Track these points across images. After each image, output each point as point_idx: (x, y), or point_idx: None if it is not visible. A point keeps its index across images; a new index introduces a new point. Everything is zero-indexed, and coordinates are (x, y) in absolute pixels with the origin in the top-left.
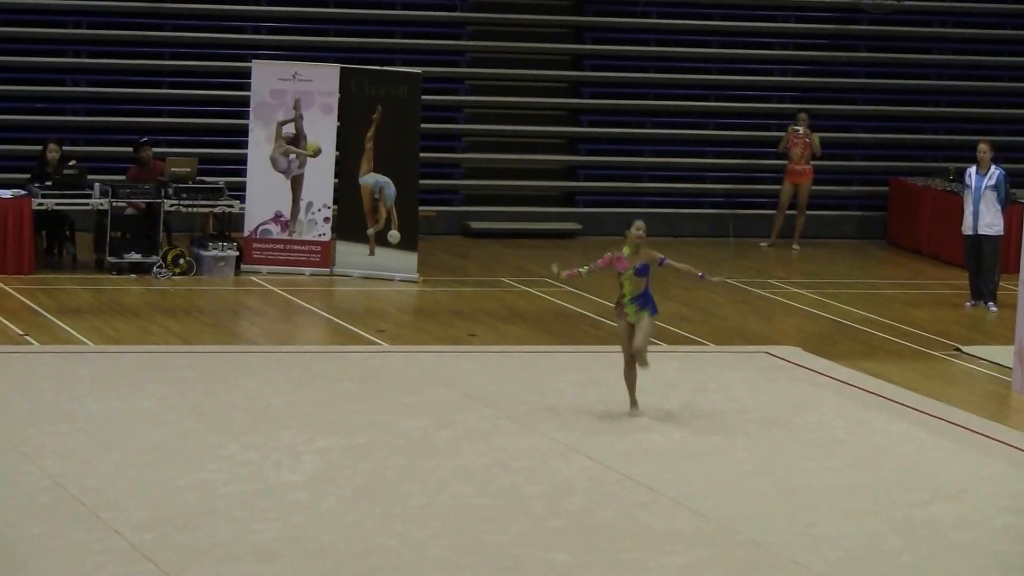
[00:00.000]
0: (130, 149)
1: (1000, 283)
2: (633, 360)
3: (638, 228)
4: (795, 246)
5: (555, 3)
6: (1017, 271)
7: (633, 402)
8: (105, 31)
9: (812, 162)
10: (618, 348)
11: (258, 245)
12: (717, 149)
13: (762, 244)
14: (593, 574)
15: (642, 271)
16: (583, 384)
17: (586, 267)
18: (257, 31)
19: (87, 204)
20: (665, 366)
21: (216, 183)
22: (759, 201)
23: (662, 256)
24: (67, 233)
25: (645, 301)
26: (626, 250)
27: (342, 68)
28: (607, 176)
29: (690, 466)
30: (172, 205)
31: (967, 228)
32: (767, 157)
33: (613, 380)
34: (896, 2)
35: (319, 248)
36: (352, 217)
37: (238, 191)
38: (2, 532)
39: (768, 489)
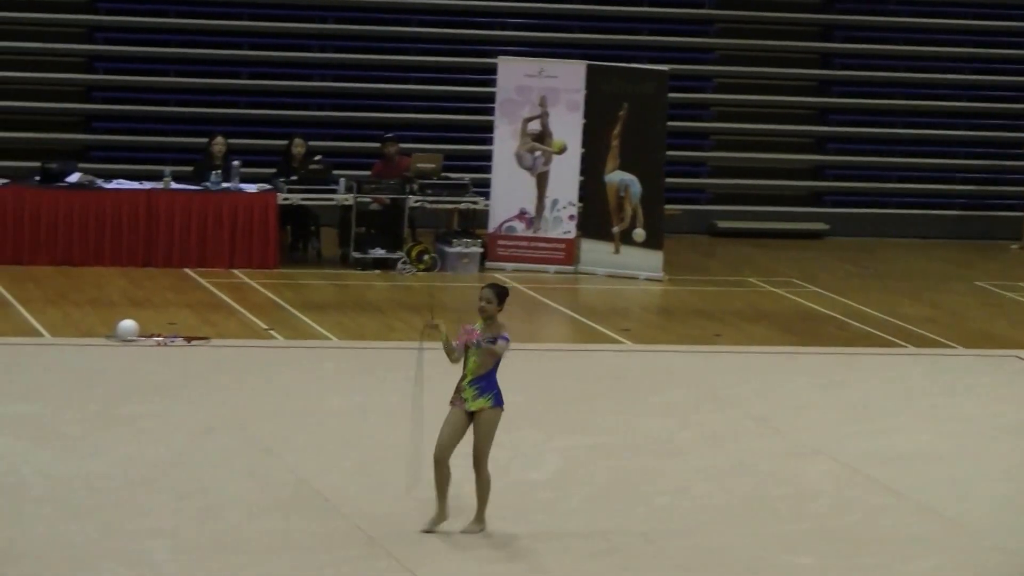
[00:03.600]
0: (375, 144)
1: None
2: (446, 459)
3: (482, 299)
4: None
5: (805, 1)
6: None
7: (441, 511)
8: (351, 26)
9: None
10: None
11: (503, 242)
12: (967, 150)
13: (1013, 246)
14: None
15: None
16: (828, 386)
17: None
18: (503, 27)
19: (332, 199)
20: (912, 369)
21: (461, 179)
22: (1009, 203)
23: (504, 336)
24: (312, 228)
25: (488, 386)
26: (478, 324)
27: (588, 65)
28: (855, 176)
29: (936, 470)
30: (417, 201)
31: None
32: (1018, 158)
33: (859, 381)
34: None
35: (564, 246)
36: (597, 215)
37: (483, 188)
38: (244, 524)
39: (1016, 495)
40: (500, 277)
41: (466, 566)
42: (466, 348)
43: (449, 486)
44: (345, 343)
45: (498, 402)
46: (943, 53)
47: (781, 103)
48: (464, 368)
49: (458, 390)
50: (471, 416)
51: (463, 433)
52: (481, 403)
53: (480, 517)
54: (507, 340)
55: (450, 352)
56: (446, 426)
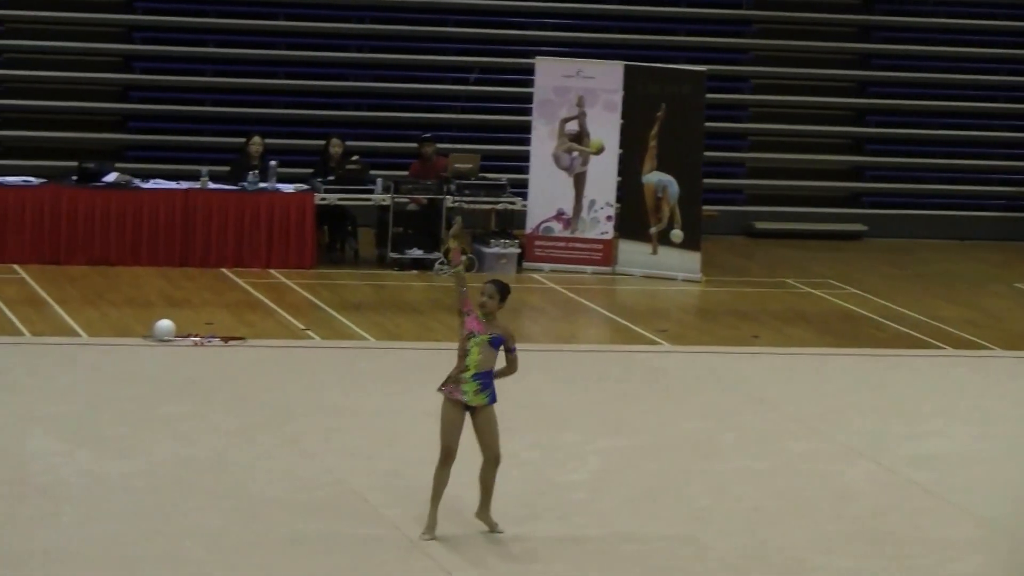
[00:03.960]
0: (412, 145)
1: None
2: (452, 458)
3: (484, 295)
4: None
5: (843, 1)
6: None
7: (435, 517)
8: (388, 26)
9: None
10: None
11: (540, 243)
12: (1006, 151)
13: None
14: None
15: (497, 342)
16: (868, 387)
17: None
18: (541, 27)
19: (369, 199)
20: (951, 371)
21: (498, 180)
22: None
23: (515, 346)
24: (349, 228)
25: (488, 383)
26: (479, 313)
27: (626, 66)
28: (894, 177)
29: (975, 472)
30: (454, 201)
31: None
32: None
33: (898, 383)
34: None
35: (601, 246)
36: (635, 215)
37: (520, 188)
38: (282, 525)
39: None
40: (537, 278)
41: (504, 568)
42: (468, 337)
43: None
44: (382, 343)
45: (494, 399)
46: (982, 54)
47: (819, 104)
48: (464, 359)
49: (456, 381)
50: (465, 409)
51: (463, 426)
52: (481, 399)
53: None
54: (514, 352)
55: (460, 278)
56: (450, 425)
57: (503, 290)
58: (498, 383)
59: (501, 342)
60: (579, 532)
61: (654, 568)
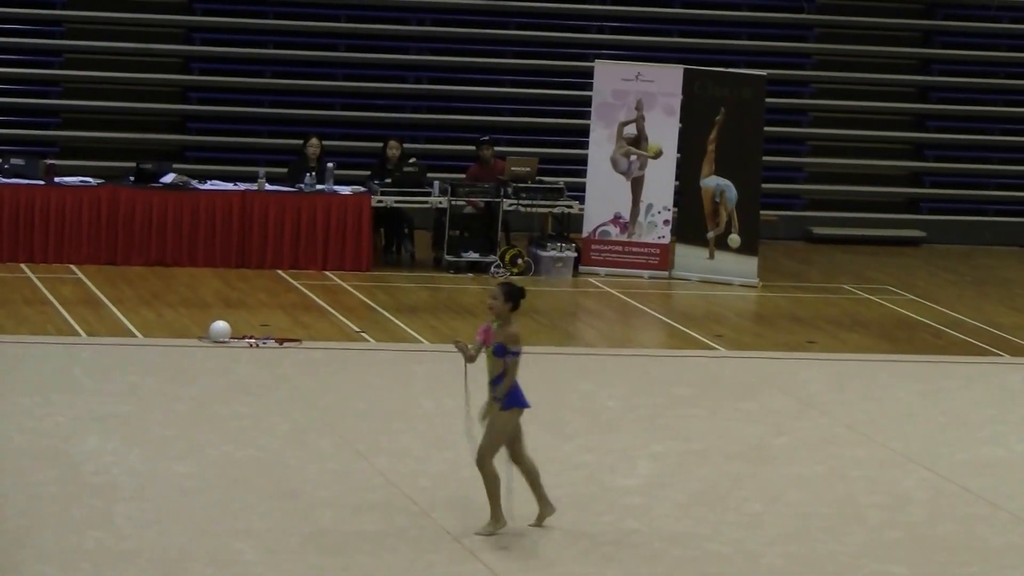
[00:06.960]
0: (470, 147)
1: None
2: (520, 457)
3: (489, 296)
4: None
5: (904, 6)
6: None
7: (543, 506)
8: (448, 28)
9: None
10: None
11: (596, 246)
12: None
13: None
14: None
15: (499, 351)
16: (924, 394)
17: (471, 345)
18: (600, 31)
19: (426, 202)
20: (1008, 378)
21: (556, 183)
22: None
23: (515, 349)
24: (405, 231)
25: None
26: (494, 323)
27: (685, 69)
28: (953, 183)
29: None
30: (511, 204)
31: None
32: None
33: (954, 390)
34: None
35: (658, 251)
36: (692, 220)
37: (578, 192)
38: (333, 526)
39: None
40: (593, 281)
41: (552, 570)
42: (482, 347)
43: (536, 479)
44: (437, 346)
45: (507, 405)
46: None
47: (879, 109)
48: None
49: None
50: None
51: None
52: (493, 406)
53: (495, 515)
54: (516, 355)
55: (469, 359)
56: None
57: (510, 293)
58: (550, 386)
59: (502, 351)
60: (630, 536)
61: (705, 574)
